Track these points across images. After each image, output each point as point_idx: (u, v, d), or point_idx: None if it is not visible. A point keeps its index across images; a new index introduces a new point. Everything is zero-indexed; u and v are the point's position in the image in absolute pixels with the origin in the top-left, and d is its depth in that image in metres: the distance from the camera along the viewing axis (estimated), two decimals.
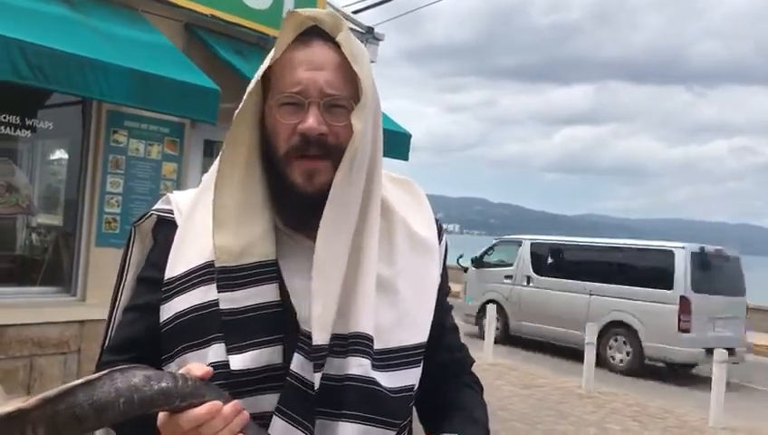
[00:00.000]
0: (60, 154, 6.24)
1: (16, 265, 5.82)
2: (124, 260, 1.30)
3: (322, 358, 1.12)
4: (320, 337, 1.11)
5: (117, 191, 5.72)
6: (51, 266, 5.77)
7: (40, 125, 5.55)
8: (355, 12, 10.27)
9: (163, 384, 0.95)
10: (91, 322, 5.45)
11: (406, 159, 7.02)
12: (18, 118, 5.31)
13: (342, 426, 1.13)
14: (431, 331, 1.24)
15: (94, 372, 1.24)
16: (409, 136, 7.18)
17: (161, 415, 0.99)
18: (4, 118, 5.24)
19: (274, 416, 1.11)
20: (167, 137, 6.02)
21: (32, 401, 0.88)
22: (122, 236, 5.56)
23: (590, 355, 9.22)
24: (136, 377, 0.94)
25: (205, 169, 6.50)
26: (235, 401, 1.02)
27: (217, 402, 0.99)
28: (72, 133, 5.78)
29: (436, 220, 1.35)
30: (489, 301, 12.76)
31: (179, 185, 6.07)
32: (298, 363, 1.12)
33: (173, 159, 6.08)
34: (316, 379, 1.11)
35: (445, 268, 1.35)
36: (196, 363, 1.04)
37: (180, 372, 1.00)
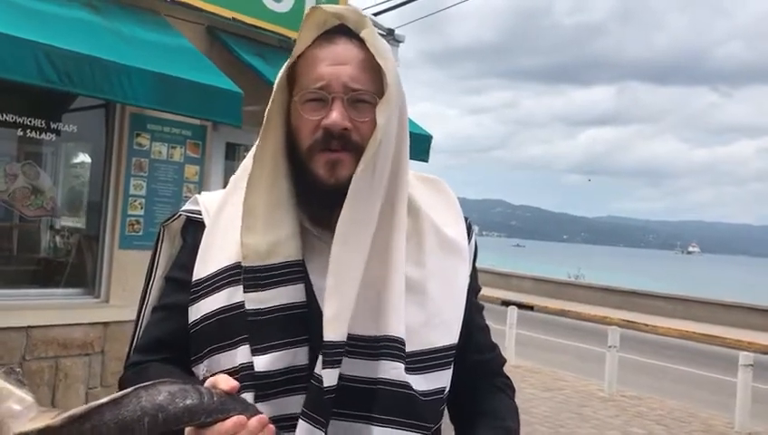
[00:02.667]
0: (83, 157, 6.30)
1: (41, 267, 5.88)
2: (153, 260, 1.30)
3: (336, 356, 1.10)
4: (333, 335, 1.09)
5: (140, 194, 5.76)
6: (74, 269, 5.82)
7: (64, 128, 5.60)
8: (376, 14, 10.29)
9: (188, 402, 0.95)
10: (115, 323, 5.49)
11: (426, 160, 7.01)
12: (43, 121, 5.36)
13: (375, 430, 1.12)
14: (461, 331, 1.22)
15: (123, 372, 1.24)
16: (430, 138, 7.16)
17: (188, 429, 0.99)
18: (30, 121, 5.30)
19: (300, 418, 1.10)
20: (189, 140, 6.05)
21: (59, 418, 0.89)
22: (146, 239, 5.63)
23: (612, 358, 9.15)
24: (161, 395, 0.94)
25: (227, 172, 6.56)
26: (261, 416, 1.01)
27: (242, 417, 0.99)
28: (95, 136, 5.84)
29: (466, 219, 1.33)
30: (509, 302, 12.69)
31: (202, 187, 6.10)
32: (320, 365, 1.11)
33: (195, 161, 6.11)
34: (325, 375, 1.09)
35: (474, 268, 1.33)
36: (223, 376, 1.03)
37: (206, 385, 1.00)
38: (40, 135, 5.41)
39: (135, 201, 5.73)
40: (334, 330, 1.10)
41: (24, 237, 5.80)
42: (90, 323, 5.44)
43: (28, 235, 5.84)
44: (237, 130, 5.80)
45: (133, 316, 1.32)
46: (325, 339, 1.09)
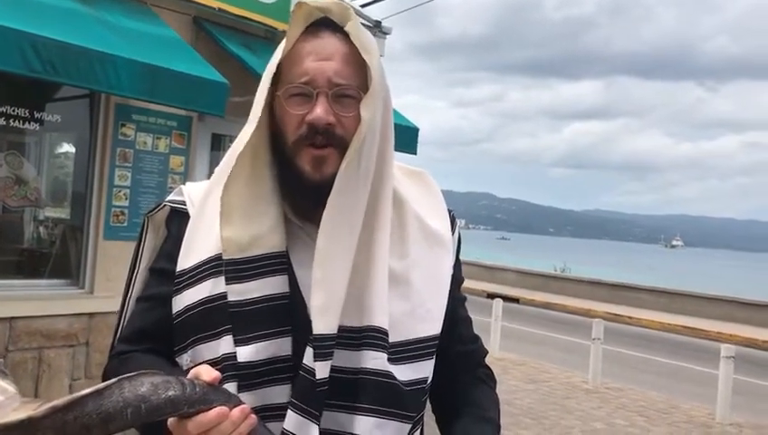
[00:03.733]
0: (68, 147, 6.26)
1: (24, 258, 5.85)
2: (137, 251, 1.30)
3: (327, 348, 1.11)
4: (322, 327, 1.11)
5: (125, 184, 5.73)
6: (59, 259, 5.79)
7: (48, 118, 5.56)
8: (363, 5, 10.25)
9: (170, 393, 0.96)
10: (100, 314, 5.47)
11: (414, 153, 7.02)
12: (27, 111, 5.32)
13: (359, 419, 1.13)
14: (444, 322, 1.24)
15: (108, 362, 1.25)
16: (417, 130, 7.17)
17: (171, 419, 0.99)
18: (13, 111, 5.25)
19: (288, 409, 1.11)
20: (174, 130, 6.03)
21: (42, 409, 0.89)
22: (131, 230, 5.60)
23: (596, 350, 9.22)
24: (144, 386, 0.94)
25: (212, 163, 6.53)
26: (244, 406, 1.02)
27: (225, 408, 0.99)
28: (79, 126, 5.80)
29: (449, 211, 1.35)
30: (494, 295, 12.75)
31: (187, 178, 6.07)
32: (310, 356, 1.12)
33: (181, 152, 6.09)
34: (318, 368, 1.10)
35: (458, 259, 1.35)
36: (206, 366, 1.04)
37: (189, 376, 1.01)
38: (23, 125, 5.36)
39: (120, 192, 5.71)
40: (324, 322, 1.11)
41: (7, 228, 5.76)
42: (74, 315, 5.42)
43: (11, 225, 5.80)
44: (223, 120, 5.78)
45: (118, 307, 1.32)
46: (315, 332, 1.10)
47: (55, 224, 6.05)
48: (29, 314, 5.17)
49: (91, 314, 5.49)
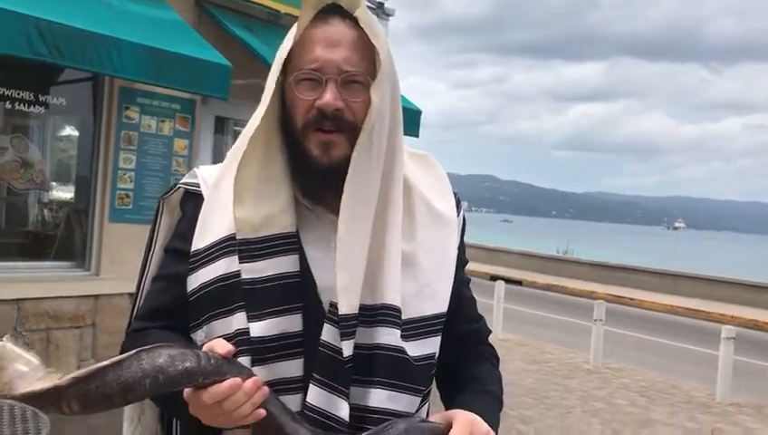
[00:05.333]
0: (72, 130, 6.29)
1: (30, 240, 5.90)
2: (152, 231, 1.34)
3: (352, 327, 1.17)
4: (347, 308, 1.16)
5: (129, 167, 5.77)
6: (65, 242, 5.84)
7: (53, 101, 5.59)
8: None
9: (187, 364, 1.00)
10: (106, 296, 5.53)
11: (416, 135, 7.03)
12: (31, 94, 5.35)
13: (374, 392, 1.18)
14: (450, 302, 1.28)
15: (125, 339, 1.30)
16: (419, 112, 7.18)
17: (187, 390, 1.04)
18: (18, 94, 5.29)
19: (311, 384, 1.16)
20: (178, 113, 6.05)
21: (66, 379, 0.95)
22: (135, 212, 5.65)
23: (598, 331, 9.28)
24: (161, 357, 0.99)
25: (216, 146, 6.57)
26: (256, 377, 1.06)
27: (238, 379, 1.04)
28: (84, 110, 5.83)
29: (454, 193, 1.38)
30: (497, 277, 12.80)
31: (191, 161, 6.11)
32: (329, 333, 1.17)
33: (184, 135, 6.12)
34: (345, 347, 1.16)
35: (462, 241, 1.39)
36: (220, 340, 1.08)
37: (204, 350, 1.05)
38: (28, 108, 5.40)
39: (125, 175, 5.74)
40: (348, 303, 1.16)
41: (13, 211, 5.81)
42: (80, 296, 5.47)
43: (17, 208, 5.85)
44: (226, 103, 5.80)
45: (123, 289, 1.37)
46: (340, 312, 1.16)
47: (60, 207, 6.09)
48: (36, 295, 5.22)
49: (96, 296, 5.54)
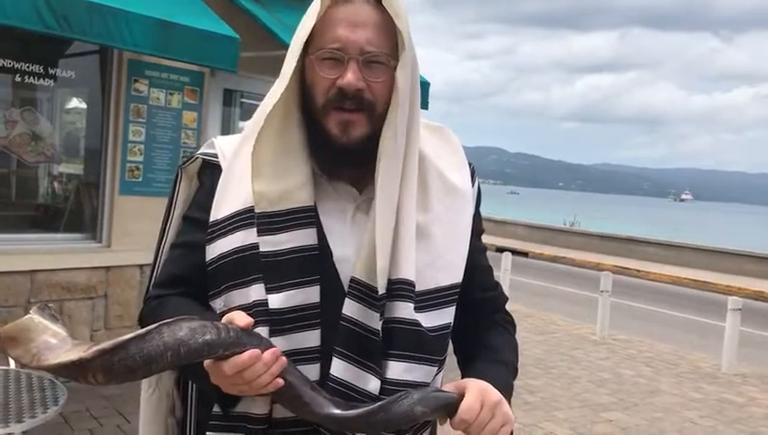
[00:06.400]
0: (81, 103, 6.30)
1: (40, 212, 5.94)
2: (171, 200, 1.37)
3: (383, 307, 1.20)
4: (383, 287, 1.20)
5: (139, 140, 5.79)
6: (75, 214, 5.88)
7: (61, 74, 5.59)
8: None
9: (207, 337, 1.04)
10: (117, 268, 5.59)
11: (425, 108, 7.02)
12: (41, 67, 5.35)
13: (392, 364, 1.21)
14: (466, 271, 1.30)
15: (143, 306, 1.33)
16: (428, 85, 7.15)
17: (207, 361, 1.07)
18: (28, 67, 5.29)
19: (334, 357, 1.20)
20: (186, 86, 6.05)
21: (91, 351, 0.98)
22: (145, 185, 5.68)
23: (604, 303, 9.33)
24: (182, 330, 1.03)
25: (224, 118, 6.56)
26: (275, 348, 1.10)
27: (257, 350, 1.07)
28: (93, 82, 5.83)
29: (469, 164, 1.40)
30: (504, 248, 12.85)
31: (200, 134, 6.12)
32: (352, 308, 1.20)
33: (193, 107, 6.12)
34: (377, 325, 1.20)
35: (478, 210, 1.41)
36: (239, 313, 1.11)
37: (223, 321, 1.08)
38: (37, 81, 5.40)
39: (134, 147, 5.76)
40: (383, 284, 1.20)
41: (24, 183, 5.84)
42: (92, 268, 5.53)
43: (28, 181, 5.88)
44: (235, 76, 5.78)
45: (134, 261, 1.40)
46: (380, 292, 1.19)
47: (70, 179, 6.12)
48: (49, 267, 5.28)
49: (108, 268, 5.60)
